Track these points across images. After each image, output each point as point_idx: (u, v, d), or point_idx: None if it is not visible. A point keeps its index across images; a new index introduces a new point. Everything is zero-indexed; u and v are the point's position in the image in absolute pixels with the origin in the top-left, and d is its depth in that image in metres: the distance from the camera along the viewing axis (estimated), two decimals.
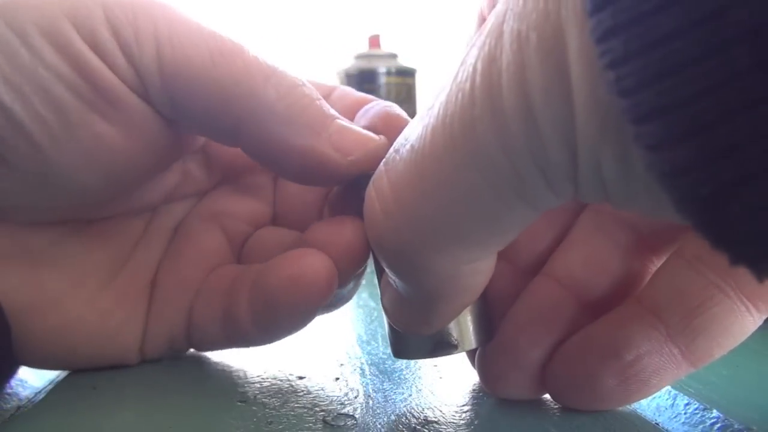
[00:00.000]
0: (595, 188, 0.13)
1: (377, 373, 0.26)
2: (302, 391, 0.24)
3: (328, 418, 0.21)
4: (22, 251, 0.23)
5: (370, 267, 0.23)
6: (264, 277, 0.22)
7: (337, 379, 0.25)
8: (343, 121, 0.21)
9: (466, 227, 0.15)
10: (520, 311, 0.21)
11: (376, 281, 0.21)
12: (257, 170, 0.27)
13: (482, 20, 0.18)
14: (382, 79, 0.93)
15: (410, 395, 0.23)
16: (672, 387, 0.22)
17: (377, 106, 0.24)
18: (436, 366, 0.26)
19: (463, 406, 0.22)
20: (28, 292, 0.23)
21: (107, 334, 0.25)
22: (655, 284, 0.20)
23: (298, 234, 0.25)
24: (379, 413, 0.21)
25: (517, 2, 0.13)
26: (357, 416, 0.21)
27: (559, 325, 0.21)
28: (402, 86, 0.94)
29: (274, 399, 0.23)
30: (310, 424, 0.20)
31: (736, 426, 0.19)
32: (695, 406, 0.21)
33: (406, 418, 0.21)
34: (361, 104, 0.24)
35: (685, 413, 0.21)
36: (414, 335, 0.21)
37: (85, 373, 0.25)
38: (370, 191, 0.17)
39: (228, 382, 0.25)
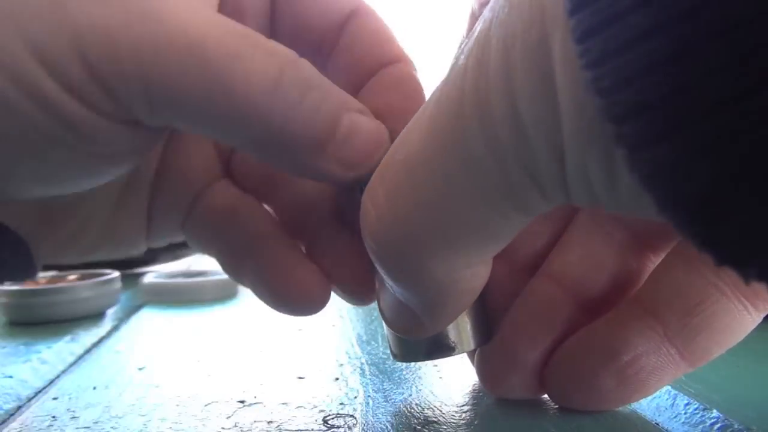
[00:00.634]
0: (584, 193, 0.13)
1: (377, 373, 0.26)
2: (302, 391, 0.24)
3: (328, 418, 0.21)
4: None
5: None
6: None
7: (337, 379, 0.25)
8: (352, 116, 0.18)
9: (460, 234, 0.15)
10: (518, 311, 0.21)
11: None
12: None
13: (474, 20, 0.18)
14: None
15: (410, 395, 0.23)
16: (672, 387, 0.22)
17: (398, 73, 0.21)
18: (436, 366, 0.26)
19: (463, 406, 0.22)
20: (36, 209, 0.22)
21: (117, 230, 0.23)
22: (653, 283, 0.20)
23: None
24: (379, 413, 0.21)
25: (503, 9, 0.13)
26: (357, 416, 0.21)
27: (558, 324, 0.21)
28: None
29: (274, 399, 0.23)
30: (310, 424, 0.20)
31: (736, 426, 0.19)
32: (695, 406, 0.21)
33: (406, 418, 0.21)
34: (380, 59, 0.21)
35: (685, 413, 0.21)
36: (412, 338, 0.21)
37: (85, 373, 0.25)
38: (366, 199, 0.17)
39: (228, 382, 0.25)
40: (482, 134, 0.13)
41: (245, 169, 0.23)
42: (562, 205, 0.14)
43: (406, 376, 0.25)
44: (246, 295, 0.44)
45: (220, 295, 0.45)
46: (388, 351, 0.22)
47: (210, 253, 0.23)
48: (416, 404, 0.22)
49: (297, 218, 0.24)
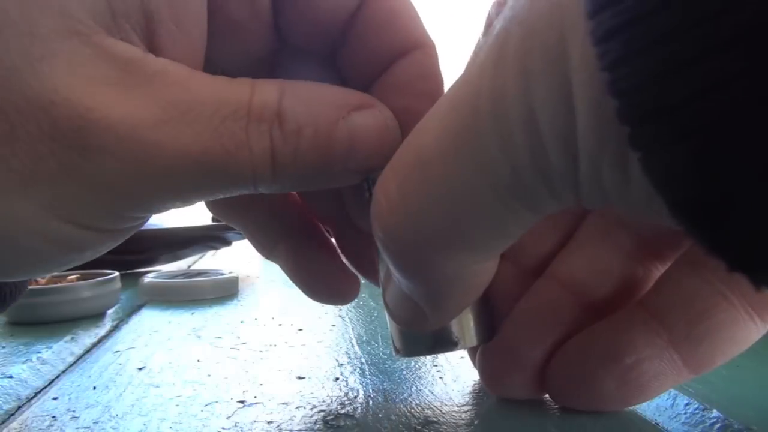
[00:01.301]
0: (595, 194, 0.13)
1: (377, 373, 0.26)
2: (302, 391, 0.24)
3: (328, 418, 0.21)
4: None
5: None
6: None
7: (337, 379, 0.25)
8: (349, 121, 0.18)
9: (470, 229, 0.15)
10: (522, 311, 0.21)
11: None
12: None
13: (490, 23, 0.18)
14: None
15: (410, 395, 0.23)
16: (672, 387, 0.22)
17: (415, 68, 0.20)
18: (436, 366, 0.26)
19: (463, 406, 0.22)
20: None
21: None
22: (660, 290, 0.20)
23: None
24: (379, 413, 0.21)
25: (522, 9, 0.13)
26: (357, 416, 0.21)
27: (561, 326, 0.21)
28: None
29: (274, 399, 0.23)
30: (310, 425, 0.20)
31: (736, 426, 0.19)
32: (695, 406, 0.21)
33: (406, 418, 0.21)
34: (397, 47, 0.20)
35: (685, 413, 0.21)
36: (415, 332, 0.21)
37: (85, 373, 0.25)
38: (378, 191, 0.17)
39: (228, 382, 0.25)
40: (496, 132, 0.13)
41: None
42: (571, 207, 0.14)
43: (406, 376, 0.25)
44: (246, 295, 0.44)
45: (220, 295, 0.45)
46: (390, 348, 0.22)
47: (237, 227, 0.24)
48: (416, 404, 0.22)
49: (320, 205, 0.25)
